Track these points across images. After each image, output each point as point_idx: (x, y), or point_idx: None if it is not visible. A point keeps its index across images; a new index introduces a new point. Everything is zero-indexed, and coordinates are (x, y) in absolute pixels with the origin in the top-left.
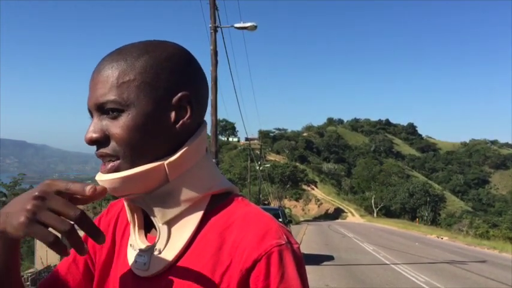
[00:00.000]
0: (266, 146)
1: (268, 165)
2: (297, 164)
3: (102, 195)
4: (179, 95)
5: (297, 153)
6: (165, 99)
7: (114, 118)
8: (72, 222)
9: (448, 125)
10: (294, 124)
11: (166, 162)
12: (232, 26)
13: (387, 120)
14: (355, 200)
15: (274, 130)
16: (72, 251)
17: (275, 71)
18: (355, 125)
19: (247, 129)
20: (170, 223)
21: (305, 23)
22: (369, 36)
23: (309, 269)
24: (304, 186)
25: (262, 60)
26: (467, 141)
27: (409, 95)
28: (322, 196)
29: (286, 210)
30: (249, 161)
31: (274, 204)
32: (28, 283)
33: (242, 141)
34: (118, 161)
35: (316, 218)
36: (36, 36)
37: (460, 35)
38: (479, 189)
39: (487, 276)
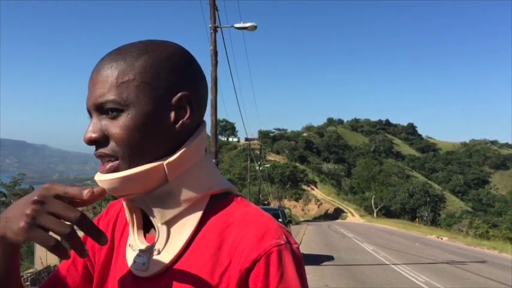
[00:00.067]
0: (266, 146)
1: (268, 165)
2: (297, 164)
3: (101, 197)
4: (179, 95)
5: (297, 153)
6: (165, 99)
7: (114, 118)
8: (72, 225)
9: (448, 125)
10: (294, 124)
11: (165, 162)
12: (232, 26)
13: (387, 121)
14: (355, 200)
15: (274, 130)
16: (71, 252)
17: (275, 71)
18: (355, 125)
19: (247, 130)
20: (169, 223)
21: (305, 23)
22: (368, 37)
23: (309, 269)
24: (304, 187)
25: (262, 60)
26: (467, 142)
27: (409, 95)
28: (322, 196)
29: (286, 211)
30: (248, 161)
31: (274, 204)
32: (28, 283)
33: (242, 141)
34: (117, 161)
35: (316, 218)
36: (36, 36)
37: (460, 35)
38: (479, 189)
39: (486, 276)
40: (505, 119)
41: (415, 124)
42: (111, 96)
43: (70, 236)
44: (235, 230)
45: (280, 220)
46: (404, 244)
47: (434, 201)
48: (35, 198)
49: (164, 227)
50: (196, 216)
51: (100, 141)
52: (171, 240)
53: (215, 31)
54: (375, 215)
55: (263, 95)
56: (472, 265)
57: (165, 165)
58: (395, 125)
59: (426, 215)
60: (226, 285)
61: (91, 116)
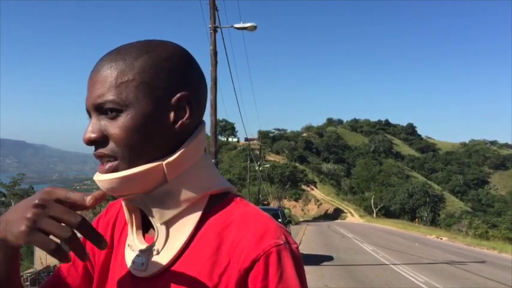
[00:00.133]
0: (266, 146)
1: (267, 165)
2: (297, 164)
3: (101, 202)
4: (178, 95)
5: (297, 153)
6: (164, 99)
7: (113, 118)
8: (73, 229)
9: (448, 125)
10: (294, 124)
11: (164, 162)
12: (232, 27)
13: (387, 121)
14: (354, 201)
15: (273, 130)
16: (71, 253)
17: (275, 71)
18: (355, 126)
19: (247, 130)
20: (168, 223)
21: (305, 23)
22: (368, 37)
23: (308, 270)
24: (304, 187)
25: (262, 60)
26: (467, 142)
27: (408, 96)
28: (322, 196)
29: (286, 211)
30: (248, 161)
31: (273, 204)
32: (27, 283)
33: (242, 141)
34: (116, 162)
35: (316, 218)
36: (36, 36)
37: (460, 36)
38: (478, 189)
39: (486, 276)
40: (504, 119)
41: (414, 124)
42: (110, 96)
43: (71, 240)
44: (234, 230)
45: (279, 220)
46: (404, 244)
47: (433, 201)
48: (36, 201)
49: (163, 227)
50: (195, 217)
51: (99, 141)
52: (170, 241)
53: (215, 31)
54: (374, 215)
55: (263, 95)
56: (471, 265)
57: (164, 166)
58: (394, 125)
59: (426, 215)
60: (225, 285)
61: (90, 116)
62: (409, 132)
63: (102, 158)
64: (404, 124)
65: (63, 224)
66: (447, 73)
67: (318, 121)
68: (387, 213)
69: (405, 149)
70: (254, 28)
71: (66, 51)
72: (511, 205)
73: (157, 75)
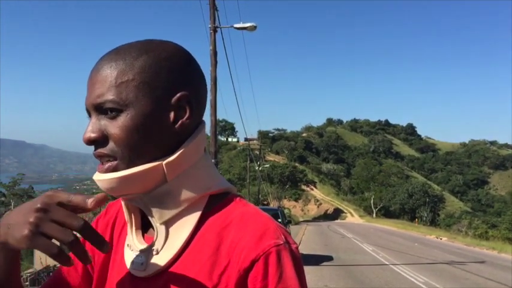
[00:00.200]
0: (265, 146)
1: (267, 165)
2: (296, 164)
3: (103, 203)
4: (178, 95)
5: (296, 153)
6: (164, 99)
7: (113, 118)
8: (75, 233)
9: (448, 125)
10: (294, 124)
11: (164, 162)
12: (232, 27)
13: (386, 121)
14: (354, 201)
15: (273, 130)
16: (70, 254)
17: (275, 71)
18: (355, 126)
19: (247, 130)
20: (168, 223)
21: (305, 23)
22: (368, 37)
23: (308, 270)
24: (304, 187)
25: (261, 60)
26: (467, 142)
27: (408, 96)
28: (322, 196)
29: (286, 211)
30: (248, 161)
31: (273, 204)
32: (27, 283)
33: (241, 141)
34: (116, 161)
35: (316, 219)
36: (36, 37)
37: (460, 36)
38: (478, 189)
39: (486, 276)
40: (504, 120)
41: (414, 124)
42: (110, 96)
43: (73, 244)
44: (234, 230)
45: (279, 220)
46: (404, 244)
47: (433, 201)
48: (38, 206)
49: (163, 227)
50: (195, 216)
51: (99, 141)
52: (170, 240)
53: (215, 31)
54: (374, 215)
55: (263, 95)
56: (471, 265)
57: (164, 165)
58: (394, 126)
59: (425, 215)
60: (225, 285)
61: (90, 116)
62: (409, 133)
63: (101, 157)
64: (404, 124)
65: (65, 228)
66: (447, 73)
67: (318, 121)
68: (387, 213)
69: (405, 149)
70: (254, 28)
71: (66, 52)
72: (510, 205)
73: (157, 75)
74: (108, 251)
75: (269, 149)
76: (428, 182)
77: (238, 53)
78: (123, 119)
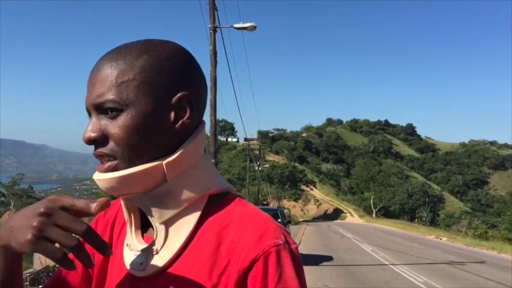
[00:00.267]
0: (265, 146)
1: (267, 165)
2: (296, 164)
3: (106, 207)
4: (179, 94)
5: (296, 153)
6: (165, 99)
7: (113, 118)
8: (78, 237)
9: (447, 125)
10: (293, 124)
11: (164, 162)
12: (232, 27)
13: (386, 121)
14: (354, 201)
15: (273, 130)
16: (71, 256)
17: (274, 71)
18: (354, 126)
19: (246, 130)
20: (168, 223)
21: (304, 23)
22: (368, 37)
23: (308, 270)
24: (303, 187)
25: (261, 60)
26: (466, 142)
27: (408, 96)
28: (321, 196)
29: (285, 211)
30: (248, 161)
31: (273, 204)
32: (27, 283)
33: (241, 141)
34: (116, 161)
35: (315, 219)
36: (36, 37)
37: (460, 36)
38: (478, 189)
39: (486, 277)
40: (504, 120)
41: (414, 124)
42: (110, 95)
43: (77, 248)
44: (233, 230)
45: (279, 220)
46: (404, 244)
47: (433, 201)
48: (42, 210)
49: (162, 227)
50: (194, 216)
51: (99, 140)
52: (169, 240)
53: (214, 31)
54: (374, 215)
55: (262, 95)
56: (471, 265)
57: (164, 165)
58: (394, 126)
59: (425, 215)
60: (224, 285)
61: (90, 115)
62: (409, 133)
63: (101, 157)
64: (404, 124)
65: (69, 233)
66: (447, 73)
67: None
68: (387, 213)
69: (405, 149)
70: (254, 28)
71: (66, 52)
72: (510, 205)
73: (157, 74)
74: (110, 255)
75: (269, 149)
76: (428, 182)
77: (238, 53)
78: (123, 118)
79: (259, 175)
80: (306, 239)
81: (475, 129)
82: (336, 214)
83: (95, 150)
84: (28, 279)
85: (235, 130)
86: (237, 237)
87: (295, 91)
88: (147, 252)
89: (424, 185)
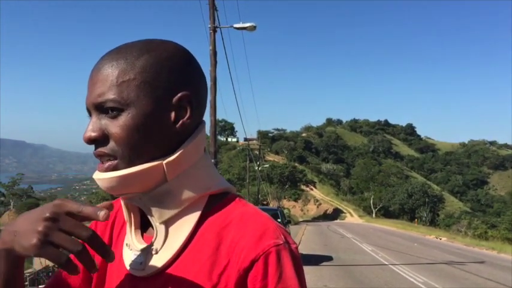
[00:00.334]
0: (265, 146)
1: (267, 165)
2: (296, 164)
3: (111, 210)
4: (179, 94)
5: (296, 153)
6: (165, 98)
7: (114, 117)
8: (83, 243)
9: (447, 125)
10: (293, 124)
11: (165, 161)
12: (232, 27)
13: (386, 121)
14: (354, 201)
15: (273, 130)
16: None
17: (274, 71)
18: (354, 126)
19: (246, 130)
20: (168, 223)
21: (304, 23)
22: (368, 37)
23: (308, 270)
24: (303, 187)
25: (261, 60)
26: (466, 142)
27: (408, 96)
28: (321, 196)
29: (285, 211)
30: (247, 161)
31: (273, 204)
32: (27, 283)
33: (241, 141)
34: (116, 160)
35: (315, 219)
36: (36, 37)
37: (460, 36)
38: (478, 190)
39: (485, 277)
40: (503, 120)
41: (414, 124)
42: (111, 95)
43: (82, 253)
44: (233, 230)
45: (279, 220)
46: (403, 244)
47: (433, 201)
48: (47, 215)
49: (162, 227)
50: (194, 216)
51: (99, 140)
52: (169, 240)
53: (214, 31)
54: (373, 215)
55: (262, 95)
56: (470, 265)
57: (164, 165)
58: (394, 126)
59: (425, 215)
60: (224, 285)
61: (90, 115)
62: (409, 133)
63: (102, 157)
64: (404, 124)
65: (74, 238)
66: (447, 73)
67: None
68: (386, 213)
69: (404, 149)
70: (253, 28)
71: (66, 52)
72: (510, 205)
73: (158, 74)
74: (113, 260)
75: (269, 149)
76: (428, 182)
77: (238, 53)
78: (124, 118)
79: (259, 175)
80: (305, 239)
81: (475, 129)
82: (336, 214)
83: (95, 149)
84: (28, 279)
85: (235, 130)
86: (237, 237)
87: (295, 91)
88: (147, 252)
89: (424, 185)
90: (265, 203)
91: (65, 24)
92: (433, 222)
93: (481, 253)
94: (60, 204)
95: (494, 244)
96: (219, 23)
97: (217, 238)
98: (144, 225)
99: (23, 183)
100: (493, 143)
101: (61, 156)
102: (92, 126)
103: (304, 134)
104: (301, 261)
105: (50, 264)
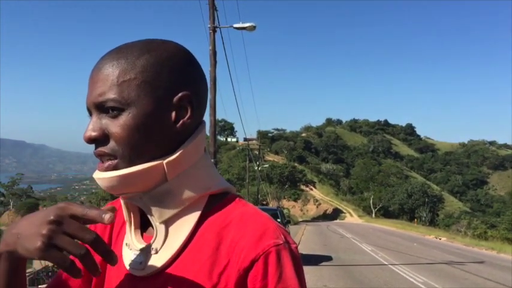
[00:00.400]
0: (265, 146)
1: (266, 165)
2: (296, 164)
3: (115, 212)
4: (180, 94)
5: (296, 153)
6: (166, 98)
7: (114, 117)
8: (87, 246)
9: (447, 125)
10: (293, 124)
11: (165, 161)
12: (231, 27)
13: (386, 121)
14: (353, 201)
15: (272, 130)
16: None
17: (274, 71)
18: (354, 126)
19: (246, 130)
20: (168, 222)
21: (304, 23)
22: (368, 37)
23: (307, 270)
24: (303, 187)
25: (261, 60)
26: (466, 142)
27: (407, 96)
28: (321, 196)
29: (285, 211)
30: (247, 161)
31: (272, 204)
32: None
33: (241, 141)
34: (116, 160)
35: (315, 219)
36: (36, 37)
37: (460, 36)
38: (477, 190)
39: (485, 277)
40: (503, 120)
41: (413, 125)
42: (111, 95)
43: (85, 257)
44: (233, 230)
45: (278, 220)
46: (403, 244)
47: (432, 201)
48: (52, 218)
49: (162, 226)
50: (194, 216)
51: (100, 139)
52: (169, 240)
53: (214, 31)
54: (373, 215)
55: (262, 95)
56: (470, 265)
57: (164, 165)
58: (394, 126)
59: (425, 215)
60: (224, 284)
61: (91, 114)
62: (408, 133)
63: (102, 156)
64: (404, 124)
65: (77, 241)
66: (446, 73)
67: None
68: (386, 213)
69: (404, 149)
70: (253, 28)
71: (66, 52)
72: (509, 205)
73: (158, 74)
74: (116, 263)
75: (268, 149)
76: (428, 182)
77: (237, 53)
78: (124, 118)
79: (258, 175)
80: (305, 239)
81: (474, 129)
82: (336, 214)
83: (96, 149)
84: (28, 279)
85: (235, 130)
86: (237, 236)
87: (295, 91)
88: (147, 252)
89: (424, 185)
90: (264, 203)
91: (65, 24)
92: (432, 222)
93: (480, 253)
94: (65, 207)
95: (494, 244)
96: (218, 23)
97: (217, 238)
98: (143, 225)
99: (22, 183)
100: (492, 143)
101: (61, 156)
102: (92, 125)
103: (303, 134)
104: (301, 261)
105: (50, 264)
